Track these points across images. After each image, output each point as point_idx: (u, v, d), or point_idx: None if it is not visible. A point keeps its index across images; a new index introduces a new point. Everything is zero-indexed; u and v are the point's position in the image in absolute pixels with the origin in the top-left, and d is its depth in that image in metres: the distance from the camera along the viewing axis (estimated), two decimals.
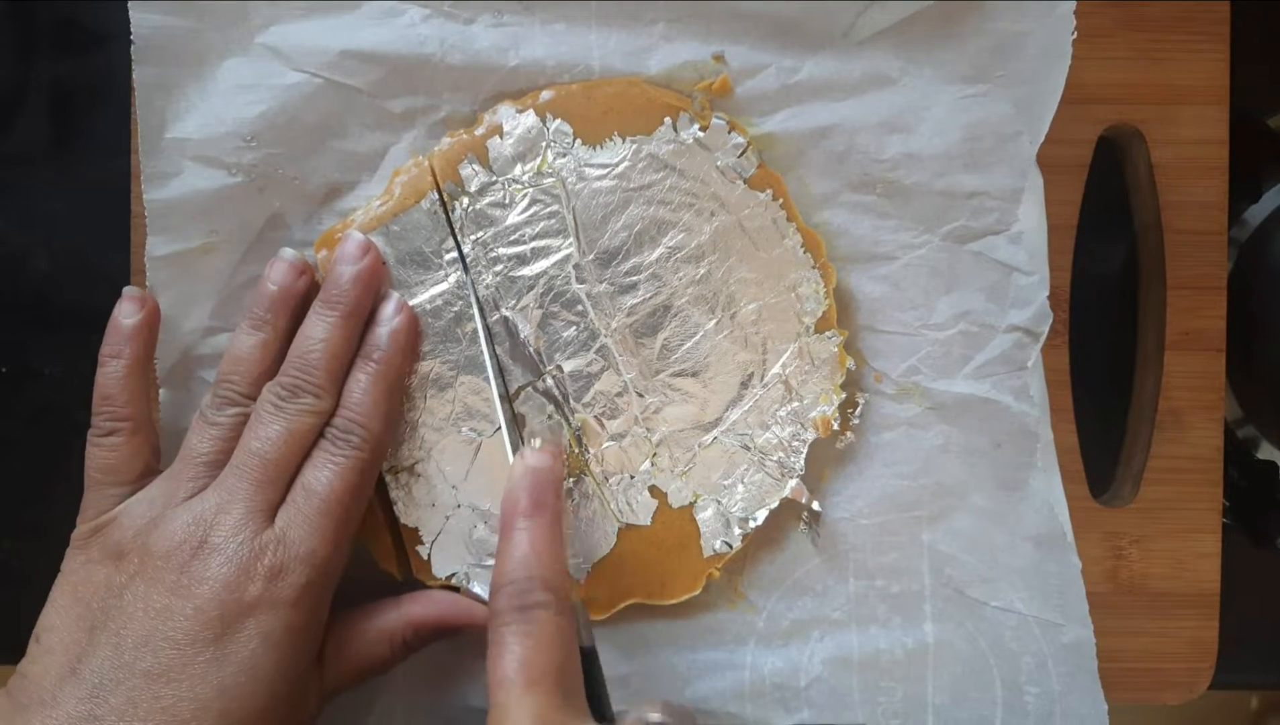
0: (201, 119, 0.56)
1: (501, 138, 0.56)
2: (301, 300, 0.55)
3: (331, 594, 0.52)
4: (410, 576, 0.58)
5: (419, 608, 0.55)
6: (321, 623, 0.52)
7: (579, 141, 0.56)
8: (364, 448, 0.52)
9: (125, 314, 0.54)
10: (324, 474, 0.51)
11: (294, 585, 0.49)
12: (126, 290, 0.55)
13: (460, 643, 0.58)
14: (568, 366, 0.57)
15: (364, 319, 0.55)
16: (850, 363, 0.58)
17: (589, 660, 0.51)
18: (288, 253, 0.55)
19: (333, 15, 0.56)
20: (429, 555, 0.57)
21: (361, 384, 0.53)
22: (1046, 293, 0.57)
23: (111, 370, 0.54)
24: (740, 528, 0.57)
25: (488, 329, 0.56)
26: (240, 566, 0.48)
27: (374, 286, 0.55)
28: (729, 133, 0.57)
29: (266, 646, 0.48)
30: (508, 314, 0.56)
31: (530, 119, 0.56)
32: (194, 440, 0.52)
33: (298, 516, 0.50)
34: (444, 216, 0.56)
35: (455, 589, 0.57)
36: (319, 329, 0.53)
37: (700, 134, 0.56)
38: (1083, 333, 0.62)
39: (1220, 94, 0.61)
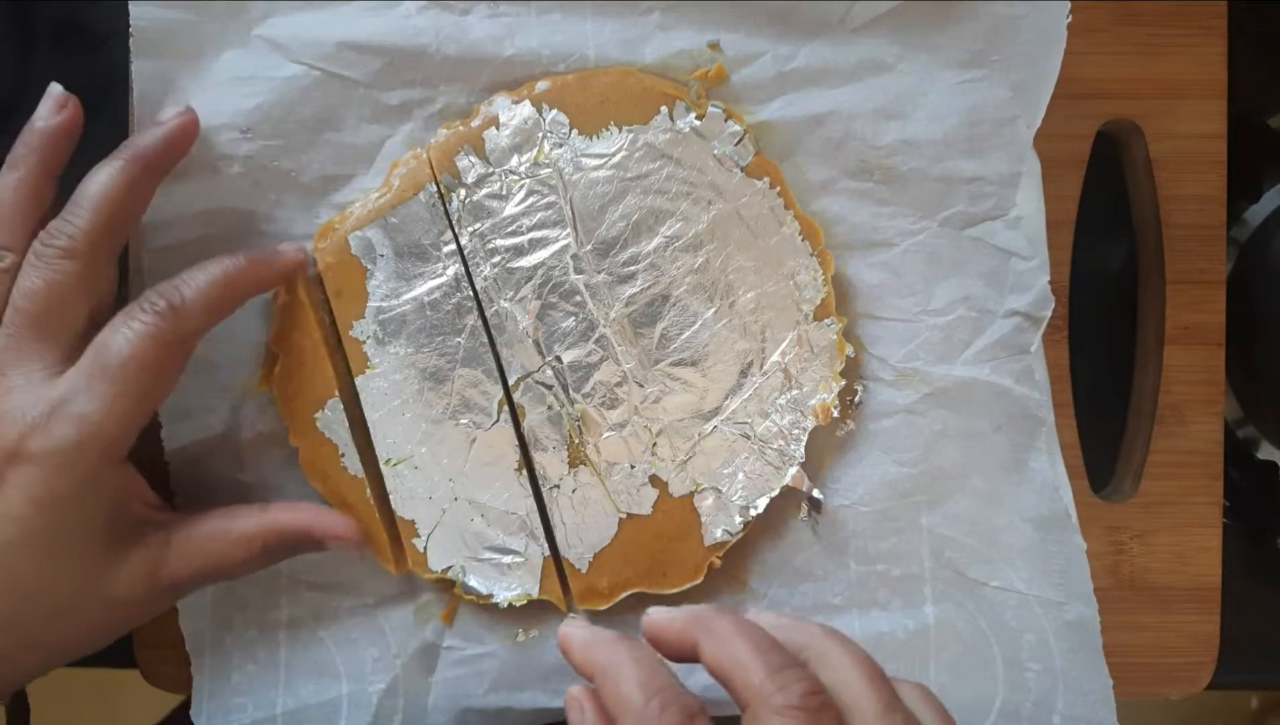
0: (199, 111, 0.55)
1: (498, 129, 0.56)
2: (65, 138, 0.53)
3: (122, 476, 0.50)
4: (406, 570, 0.57)
5: (284, 515, 0.54)
6: (108, 500, 0.50)
7: (575, 131, 0.56)
8: (167, 316, 0.49)
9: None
10: (117, 338, 0.49)
11: (58, 442, 0.47)
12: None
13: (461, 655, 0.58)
14: (567, 357, 0.57)
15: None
16: (849, 350, 0.58)
17: None
18: (55, 89, 0.53)
19: (330, 7, 0.56)
20: (425, 548, 0.57)
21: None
22: (1047, 277, 0.57)
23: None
24: (741, 516, 0.57)
25: (486, 321, 0.56)
26: (8, 417, 0.47)
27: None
28: (725, 121, 0.57)
29: (35, 508, 0.47)
30: (506, 305, 0.56)
31: (526, 110, 0.56)
32: None
33: (79, 376, 0.48)
34: (442, 209, 0.56)
35: (451, 583, 0.57)
36: (103, 173, 0.51)
37: (697, 122, 0.56)
38: (1082, 327, 0.62)
39: (1218, 88, 0.62)
